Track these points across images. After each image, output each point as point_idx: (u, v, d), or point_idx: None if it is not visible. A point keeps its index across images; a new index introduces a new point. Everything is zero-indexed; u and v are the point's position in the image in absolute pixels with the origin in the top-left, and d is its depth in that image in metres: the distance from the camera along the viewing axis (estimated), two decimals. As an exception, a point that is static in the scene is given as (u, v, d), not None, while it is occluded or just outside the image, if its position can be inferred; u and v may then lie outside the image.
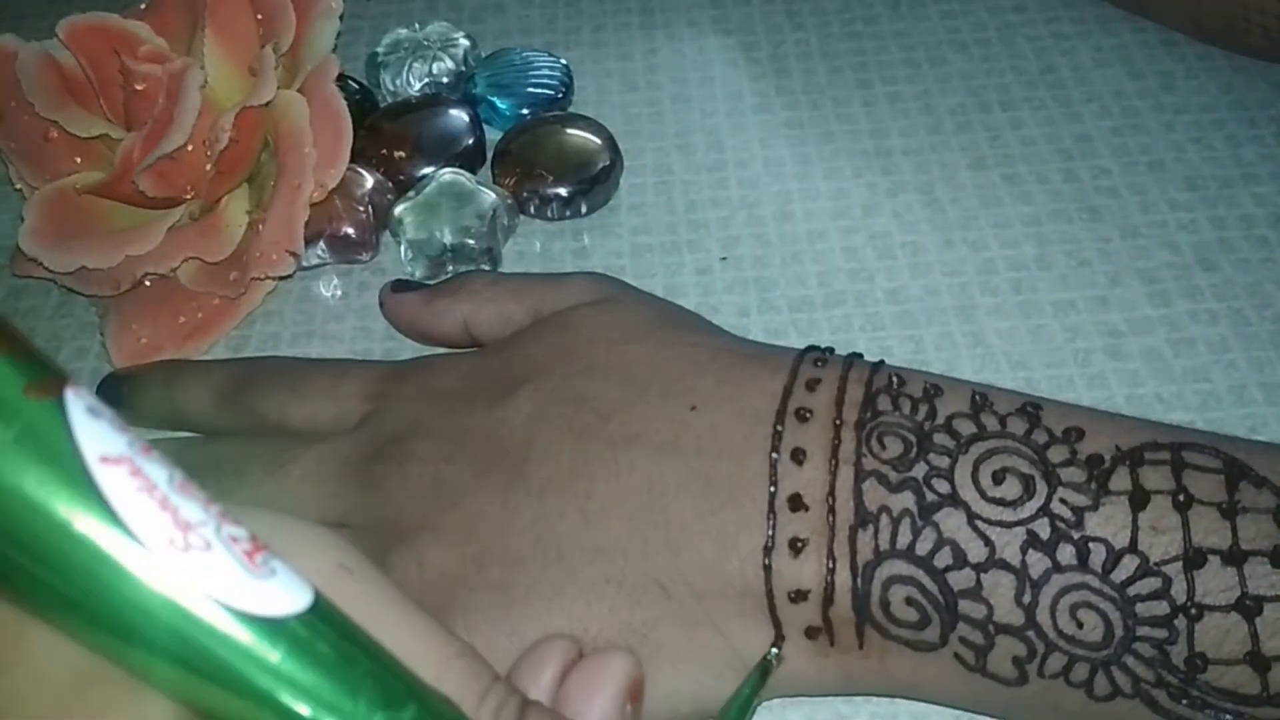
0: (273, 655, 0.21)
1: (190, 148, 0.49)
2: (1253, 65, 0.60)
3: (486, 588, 0.37)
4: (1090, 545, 0.33)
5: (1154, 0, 0.62)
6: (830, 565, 0.35)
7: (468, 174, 0.54)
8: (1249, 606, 0.32)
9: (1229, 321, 0.49)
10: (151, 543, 0.20)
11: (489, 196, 0.53)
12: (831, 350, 0.40)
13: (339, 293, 0.54)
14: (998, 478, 0.34)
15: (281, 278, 0.53)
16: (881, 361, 0.39)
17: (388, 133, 0.57)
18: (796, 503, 0.35)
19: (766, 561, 0.35)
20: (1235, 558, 0.32)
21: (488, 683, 0.26)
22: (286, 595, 0.22)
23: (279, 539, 0.24)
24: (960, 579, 0.34)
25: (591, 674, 0.32)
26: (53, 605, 0.21)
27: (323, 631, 0.22)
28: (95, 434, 0.21)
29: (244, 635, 0.21)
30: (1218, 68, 0.60)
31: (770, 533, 0.35)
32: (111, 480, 0.20)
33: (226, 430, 0.46)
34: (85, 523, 0.20)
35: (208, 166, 0.50)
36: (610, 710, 0.31)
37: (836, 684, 0.37)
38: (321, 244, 0.54)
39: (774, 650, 0.36)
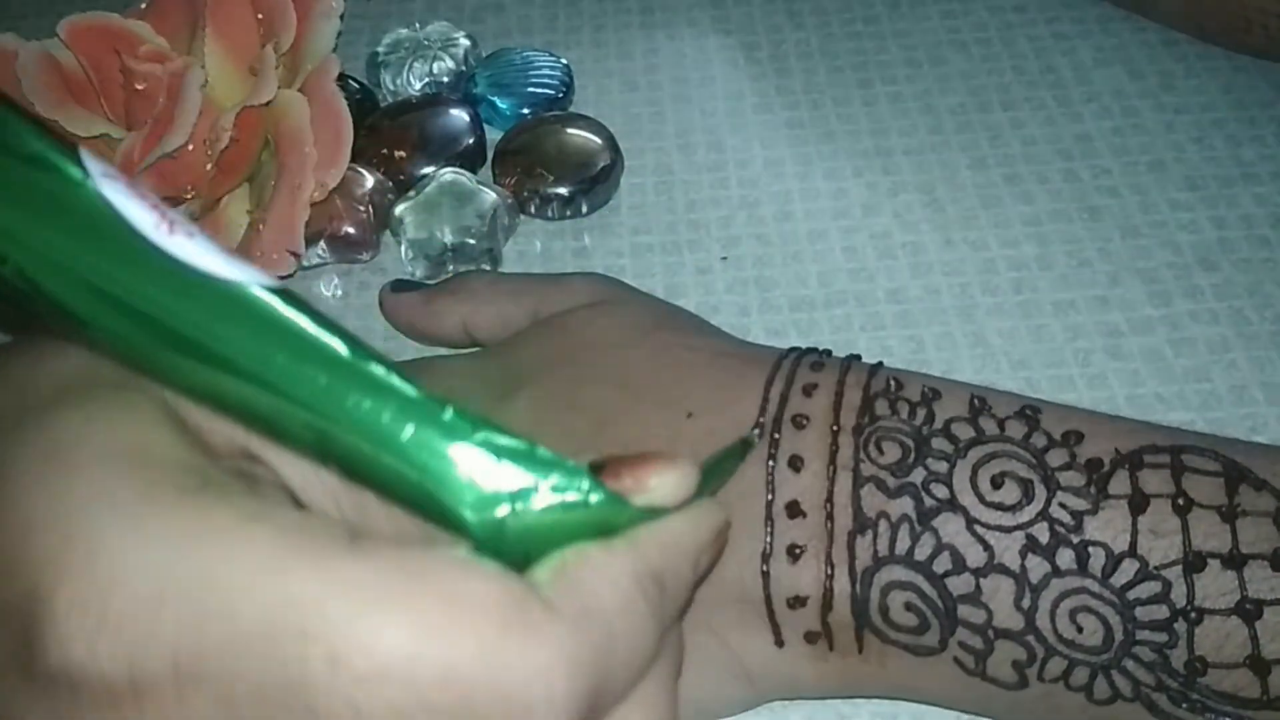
0: (260, 310, 0.24)
1: (190, 147, 0.49)
2: (1253, 65, 0.60)
3: None
4: (1090, 549, 0.33)
5: (1155, 0, 0.62)
6: (829, 571, 0.35)
7: (468, 174, 0.54)
8: (1249, 610, 0.32)
9: (1229, 321, 0.49)
10: (147, 230, 0.24)
11: (489, 196, 0.53)
12: (829, 352, 0.40)
13: (339, 292, 0.54)
14: (996, 482, 0.34)
15: (282, 277, 0.52)
16: (879, 364, 0.39)
17: (388, 132, 0.57)
18: (794, 509, 0.35)
19: (765, 568, 0.35)
20: (1235, 561, 0.32)
21: None
22: (260, 274, 0.24)
23: None
24: (959, 584, 0.34)
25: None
26: (72, 300, 0.24)
27: (293, 299, 0.24)
28: (99, 164, 0.25)
29: (233, 296, 0.24)
30: (1218, 67, 0.60)
31: (768, 539, 0.35)
32: (112, 190, 0.24)
33: (225, 430, 0.46)
34: (94, 224, 0.24)
35: (208, 166, 0.50)
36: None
37: (836, 687, 0.37)
38: (322, 244, 0.53)
39: (754, 430, 0.36)
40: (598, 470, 0.27)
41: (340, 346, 0.24)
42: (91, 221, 0.24)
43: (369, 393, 0.24)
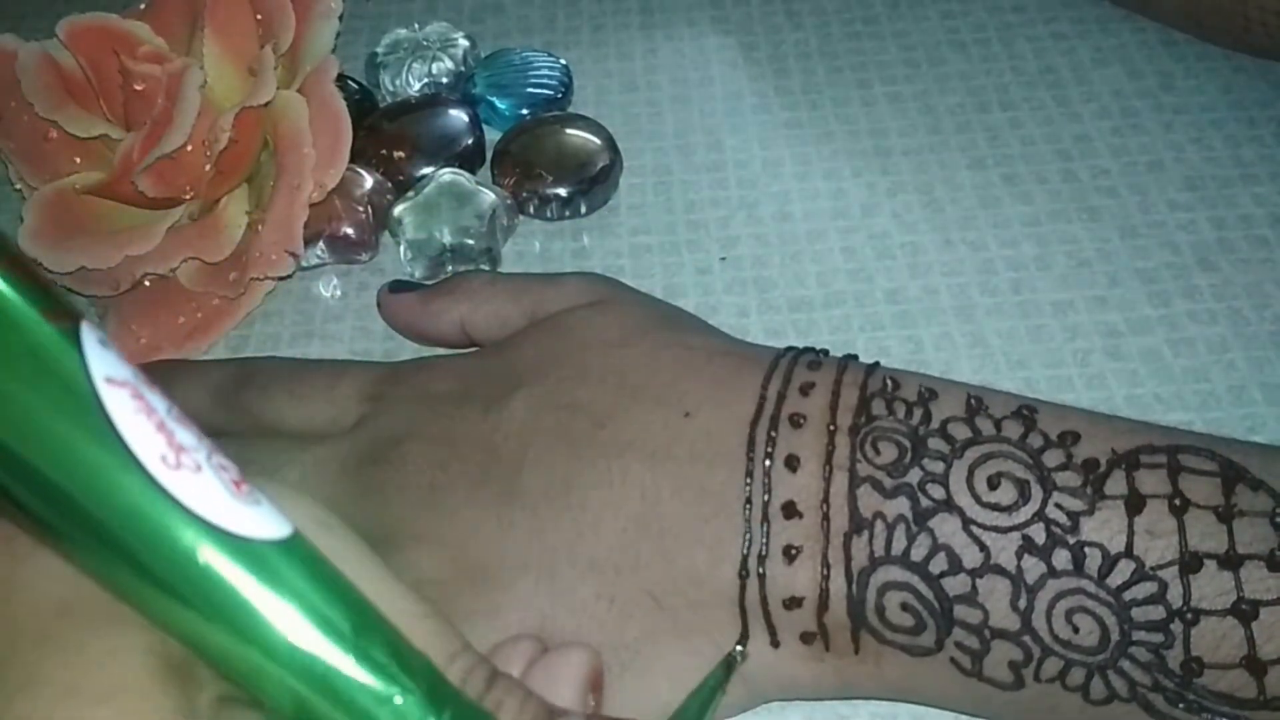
0: (248, 574, 0.23)
1: (190, 148, 0.49)
2: (1253, 65, 0.60)
3: (477, 604, 0.37)
4: (1086, 550, 0.33)
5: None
6: (825, 572, 0.35)
7: (467, 174, 0.54)
8: (1245, 611, 0.32)
9: (1228, 321, 0.49)
10: (146, 458, 0.22)
11: (488, 197, 0.53)
12: (826, 352, 0.40)
13: (338, 293, 0.54)
14: (993, 483, 0.34)
15: (281, 278, 0.53)
16: (876, 364, 0.39)
17: (387, 133, 0.57)
18: (790, 510, 0.35)
19: (761, 569, 0.35)
20: (1231, 562, 0.32)
21: (458, 646, 0.27)
22: (268, 524, 0.23)
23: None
24: (955, 584, 0.34)
25: (552, 666, 0.32)
26: (47, 512, 0.23)
27: (298, 560, 0.23)
28: (103, 360, 0.22)
29: (223, 552, 0.23)
30: (1217, 68, 0.60)
31: (764, 540, 0.35)
32: (115, 400, 0.22)
33: (224, 431, 0.46)
34: (83, 436, 0.22)
35: (207, 167, 0.50)
36: (573, 702, 0.31)
37: (832, 688, 0.37)
38: (321, 244, 0.54)
39: (739, 648, 0.36)
40: None
41: (344, 621, 0.24)
42: (83, 438, 0.22)
43: (367, 673, 0.24)
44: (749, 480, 0.36)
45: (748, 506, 0.36)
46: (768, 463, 0.36)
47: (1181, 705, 0.33)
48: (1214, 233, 0.53)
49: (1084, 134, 0.58)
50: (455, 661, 0.27)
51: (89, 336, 0.22)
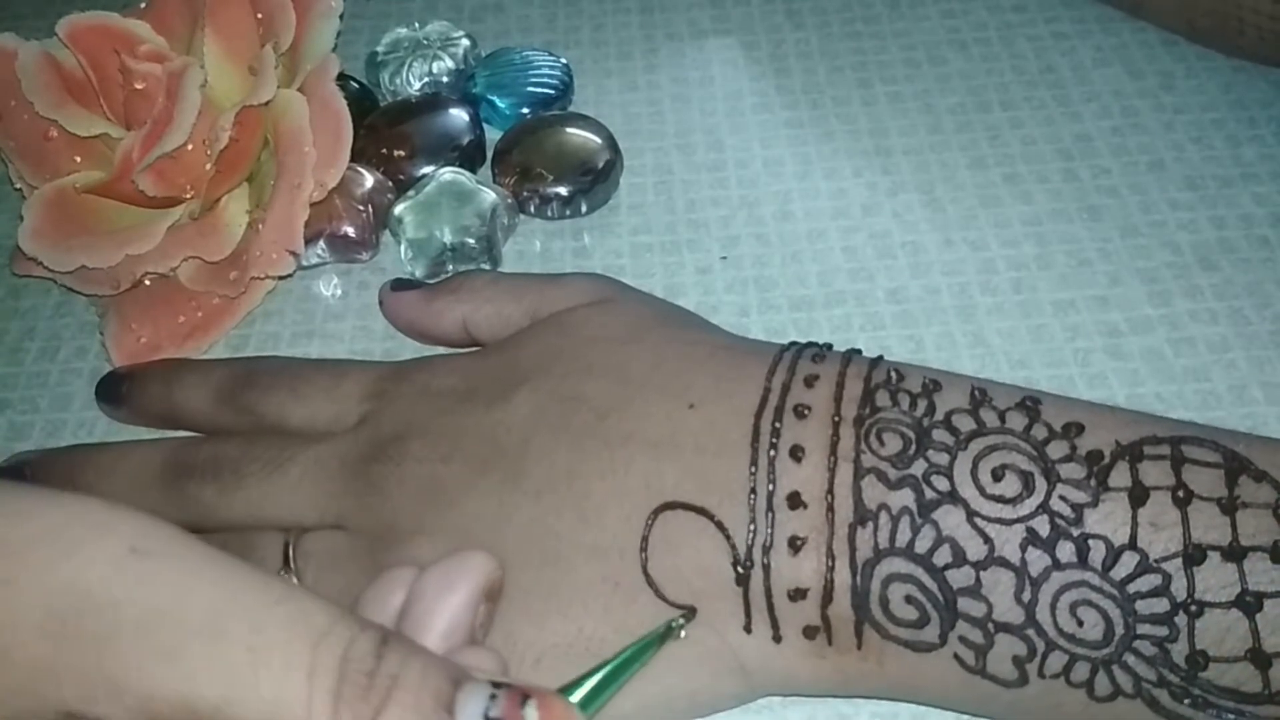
0: None
1: (190, 147, 0.49)
2: (1253, 65, 0.60)
3: None
4: (1090, 542, 0.33)
5: (1148, 1, 0.62)
6: (829, 563, 0.35)
7: (468, 173, 0.54)
8: (1249, 603, 0.32)
9: (1229, 321, 0.49)
10: None
11: (489, 196, 0.53)
12: (829, 346, 0.40)
13: (339, 292, 0.54)
14: (997, 474, 0.34)
15: (281, 277, 0.53)
16: (880, 356, 0.39)
17: (387, 132, 0.57)
18: (795, 500, 0.35)
19: (765, 560, 0.35)
20: (1235, 553, 0.32)
21: (325, 622, 0.25)
22: None
23: (67, 528, 0.25)
24: (959, 577, 0.34)
25: (447, 570, 0.31)
26: None
27: None
28: None
29: None
30: (1218, 67, 0.60)
31: (769, 530, 0.35)
32: None
33: (226, 430, 0.46)
34: None
35: (207, 166, 0.50)
36: (461, 606, 0.30)
37: (834, 685, 0.37)
38: (321, 243, 0.54)
39: (680, 619, 0.36)
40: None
41: None
42: None
43: None
44: (753, 470, 0.36)
45: (752, 497, 0.36)
46: (772, 453, 0.36)
47: (1187, 701, 0.33)
48: (1215, 232, 0.53)
49: (1085, 133, 0.58)
50: (327, 639, 0.25)
51: None
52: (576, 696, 0.31)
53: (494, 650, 0.30)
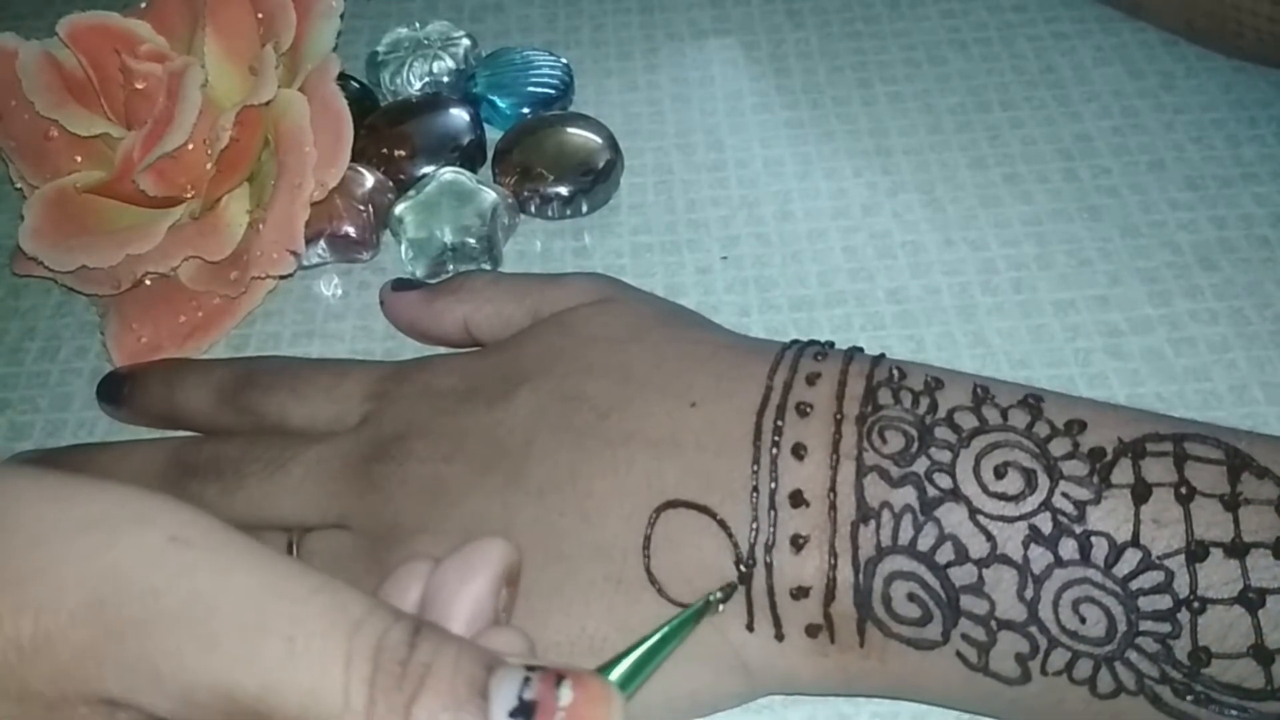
0: None
1: (190, 147, 0.49)
2: (1253, 65, 0.60)
3: None
4: (1092, 539, 0.33)
5: (1147, 2, 0.62)
6: (832, 561, 0.35)
7: (468, 173, 0.54)
8: (1252, 599, 0.32)
9: (1229, 321, 0.49)
10: None
11: (489, 196, 0.53)
12: (831, 344, 0.40)
13: (339, 292, 0.54)
14: (999, 472, 0.34)
15: (282, 277, 0.53)
16: (882, 355, 0.39)
17: (388, 132, 0.57)
18: (798, 499, 0.35)
19: (768, 558, 0.35)
20: (1237, 550, 0.32)
21: (362, 612, 0.25)
22: None
23: (109, 516, 0.25)
24: (962, 574, 0.34)
25: (466, 559, 0.31)
26: None
27: None
28: None
29: None
30: (1218, 68, 0.60)
31: (771, 529, 0.35)
32: None
33: (227, 429, 0.46)
34: None
35: (208, 166, 0.50)
36: (484, 593, 0.30)
37: (836, 684, 0.37)
38: (322, 243, 0.54)
39: (717, 593, 0.35)
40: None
41: None
42: None
43: None
44: (756, 469, 0.36)
45: (754, 495, 0.36)
46: (774, 451, 0.36)
47: (1189, 698, 0.33)
48: (1215, 232, 0.53)
49: (1085, 133, 0.58)
50: (363, 629, 0.25)
51: None
52: (614, 675, 0.30)
53: (520, 630, 0.30)
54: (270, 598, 0.25)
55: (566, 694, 0.25)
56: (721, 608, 0.36)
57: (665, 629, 0.32)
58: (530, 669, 0.25)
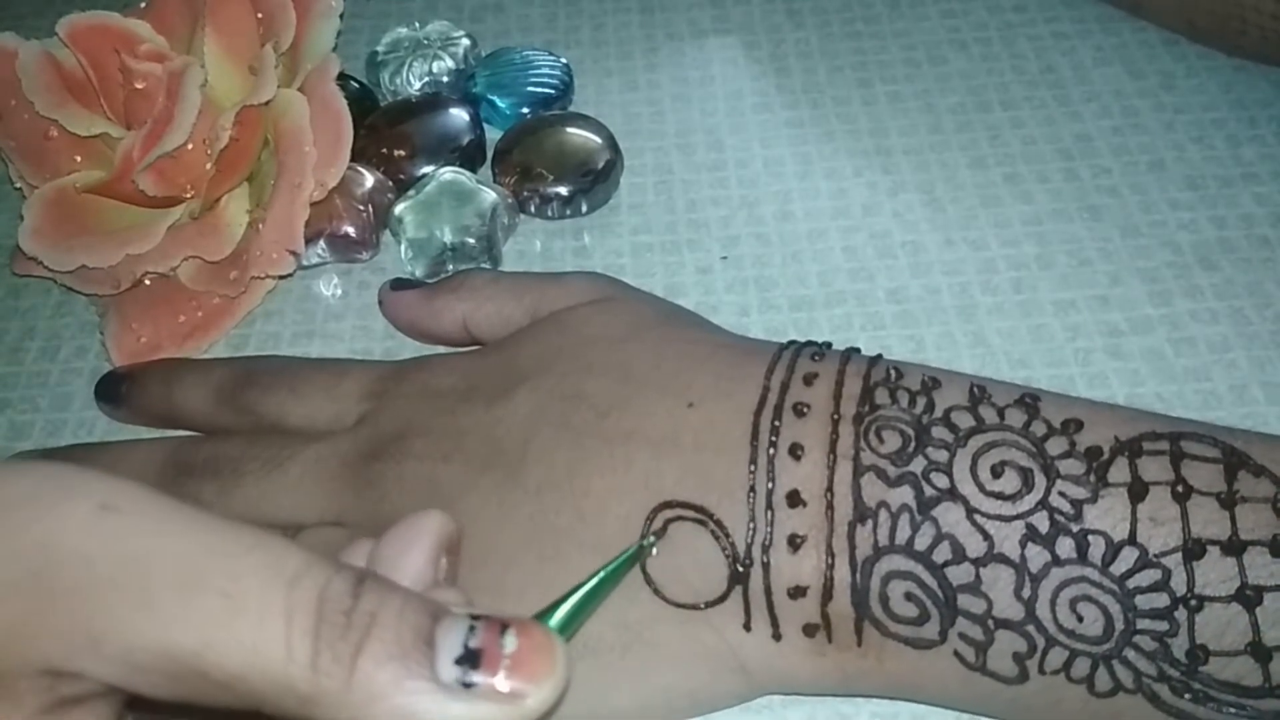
0: None
1: (190, 147, 0.49)
2: (1254, 64, 0.60)
3: (481, 587, 0.36)
4: (1089, 538, 0.33)
5: (1149, 1, 0.62)
6: (829, 561, 0.35)
7: (468, 173, 0.54)
8: (1249, 597, 0.32)
9: (1230, 321, 0.49)
10: None
11: (489, 195, 0.53)
12: (829, 345, 0.40)
13: (339, 292, 0.54)
14: (996, 471, 0.34)
15: (281, 277, 0.53)
16: (879, 355, 0.39)
17: (388, 132, 0.57)
18: (795, 498, 0.35)
19: (765, 558, 0.35)
20: (1234, 548, 0.32)
21: (299, 565, 0.25)
22: None
23: (38, 491, 0.25)
24: (959, 574, 0.34)
25: (403, 532, 0.31)
26: None
27: None
28: None
29: None
30: (1218, 67, 0.60)
31: (769, 528, 0.35)
32: None
33: (226, 429, 0.46)
34: None
35: (208, 165, 0.50)
36: (423, 563, 0.30)
37: (834, 684, 0.37)
38: (322, 243, 0.54)
39: (651, 538, 0.36)
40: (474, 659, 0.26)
41: None
42: None
43: None
44: (753, 469, 0.36)
45: (752, 495, 0.36)
46: (771, 451, 0.36)
47: (1187, 696, 0.33)
48: (1215, 232, 0.53)
49: (1085, 133, 0.58)
50: (302, 581, 0.25)
51: None
52: (553, 621, 0.31)
53: (460, 589, 0.30)
54: (204, 555, 0.25)
55: (511, 641, 0.25)
56: (655, 550, 0.36)
57: (601, 574, 0.33)
58: (475, 618, 0.26)
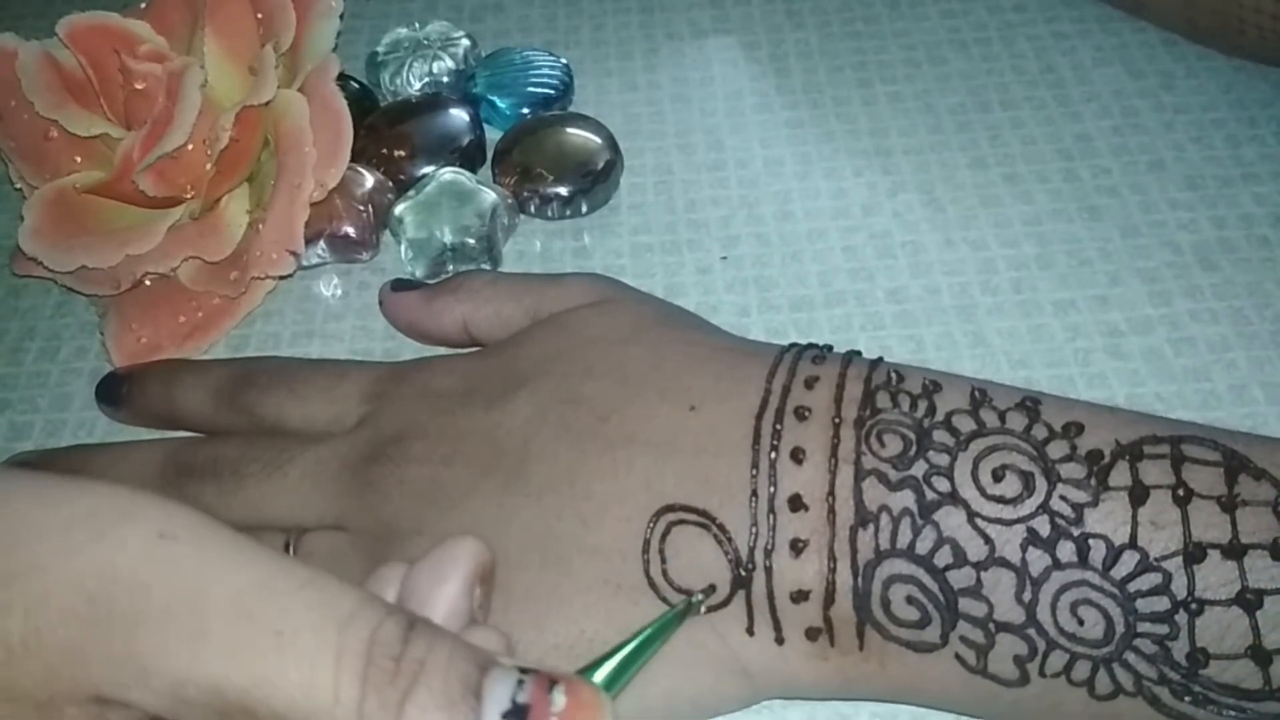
0: None
1: (190, 147, 0.49)
2: (1254, 64, 0.60)
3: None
4: (1090, 542, 0.33)
5: (1149, 1, 0.62)
6: (831, 565, 0.35)
7: (468, 173, 0.54)
8: (1249, 600, 0.32)
9: (1229, 321, 0.49)
10: None
11: (489, 196, 0.53)
12: (830, 347, 0.40)
13: (339, 292, 0.54)
14: (997, 475, 0.34)
15: (281, 277, 0.53)
16: (880, 358, 0.39)
17: (387, 132, 0.57)
18: (796, 503, 0.35)
19: (768, 562, 0.35)
20: (1235, 551, 0.32)
21: (352, 606, 0.25)
22: None
23: (96, 514, 0.25)
24: (960, 577, 0.34)
25: (438, 560, 0.30)
26: None
27: None
28: None
29: None
30: (1218, 67, 0.60)
31: (771, 533, 0.35)
32: None
33: (225, 430, 0.46)
34: None
35: (208, 166, 0.50)
36: (457, 594, 0.30)
37: (836, 687, 0.37)
38: (321, 243, 0.54)
39: (698, 595, 0.36)
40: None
41: None
42: None
43: None
44: (755, 473, 0.36)
45: (753, 499, 0.36)
46: (773, 455, 0.36)
47: (1188, 699, 0.33)
48: (1215, 232, 0.53)
49: (1085, 133, 0.58)
50: (354, 623, 0.24)
51: None
52: (599, 677, 0.30)
53: (496, 629, 0.30)
54: (258, 592, 0.25)
55: (560, 699, 0.25)
56: (704, 609, 0.36)
57: (649, 630, 0.32)
58: (524, 671, 0.25)
